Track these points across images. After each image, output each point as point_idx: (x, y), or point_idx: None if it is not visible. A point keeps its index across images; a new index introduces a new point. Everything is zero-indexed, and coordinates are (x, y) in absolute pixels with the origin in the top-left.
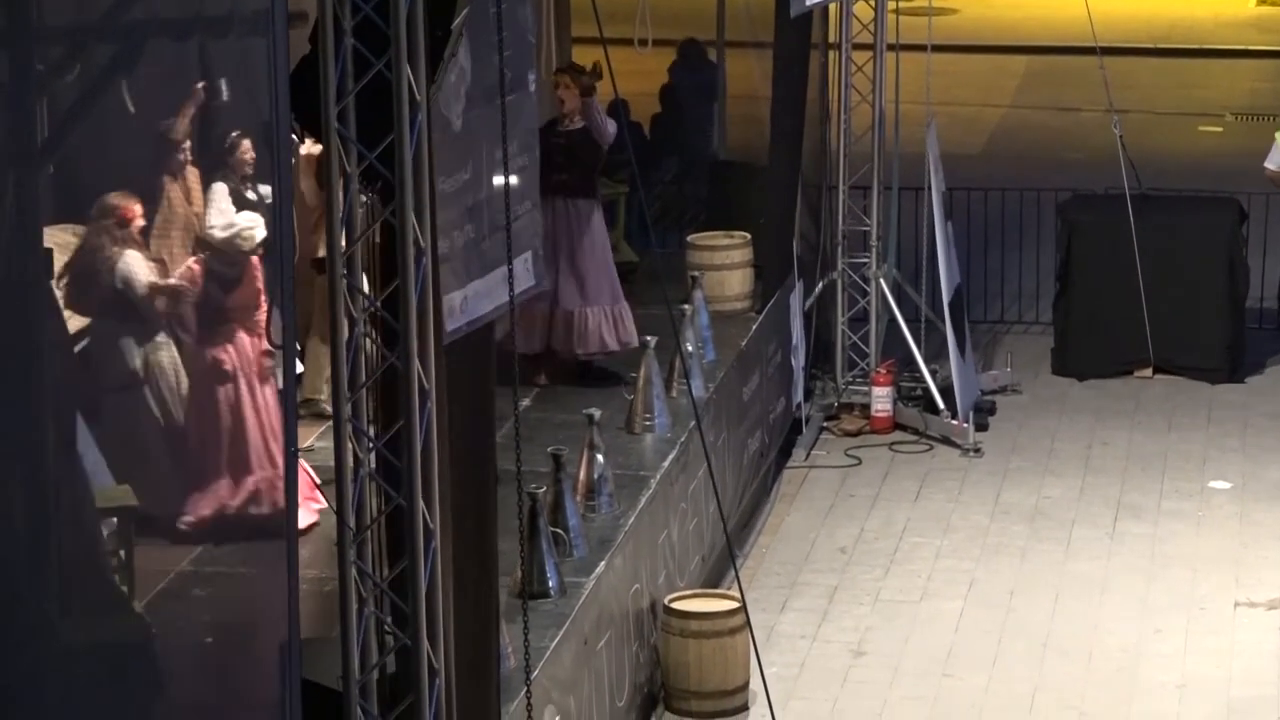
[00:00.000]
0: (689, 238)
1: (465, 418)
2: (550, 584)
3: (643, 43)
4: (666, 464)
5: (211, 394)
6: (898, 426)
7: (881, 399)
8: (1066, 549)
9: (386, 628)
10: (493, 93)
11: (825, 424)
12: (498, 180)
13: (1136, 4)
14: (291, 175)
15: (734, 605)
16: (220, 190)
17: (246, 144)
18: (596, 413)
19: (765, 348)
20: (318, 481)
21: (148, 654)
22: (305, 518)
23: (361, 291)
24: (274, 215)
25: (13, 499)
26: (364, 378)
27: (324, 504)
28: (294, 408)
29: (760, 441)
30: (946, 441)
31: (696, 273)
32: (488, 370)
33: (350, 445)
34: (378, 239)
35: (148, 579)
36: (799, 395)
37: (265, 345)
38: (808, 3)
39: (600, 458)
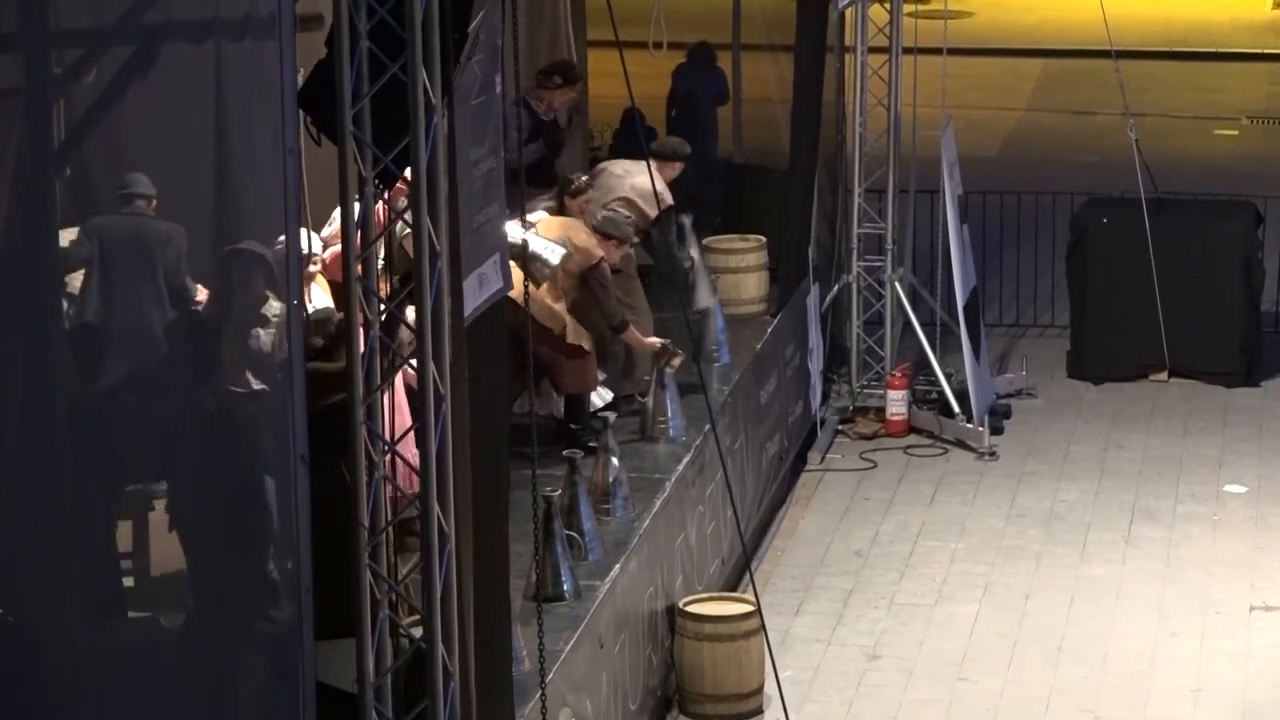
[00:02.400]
0: (704, 241)
1: (479, 420)
2: (565, 587)
3: (657, 46)
4: (681, 467)
5: None
6: (913, 430)
7: (896, 402)
8: (1082, 553)
9: (401, 631)
10: (467, 95)
11: (840, 427)
12: (473, 183)
13: (1152, 7)
14: (301, 184)
15: (749, 608)
16: None
17: None
18: (611, 416)
19: (782, 351)
20: None
21: (160, 655)
22: None
23: (376, 294)
24: (284, 219)
25: (27, 504)
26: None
27: None
28: (303, 412)
29: (780, 445)
30: (961, 445)
31: (712, 276)
32: (501, 372)
33: (365, 445)
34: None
35: (159, 581)
36: (816, 399)
37: None
38: (844, 2)
39: (615, 461)
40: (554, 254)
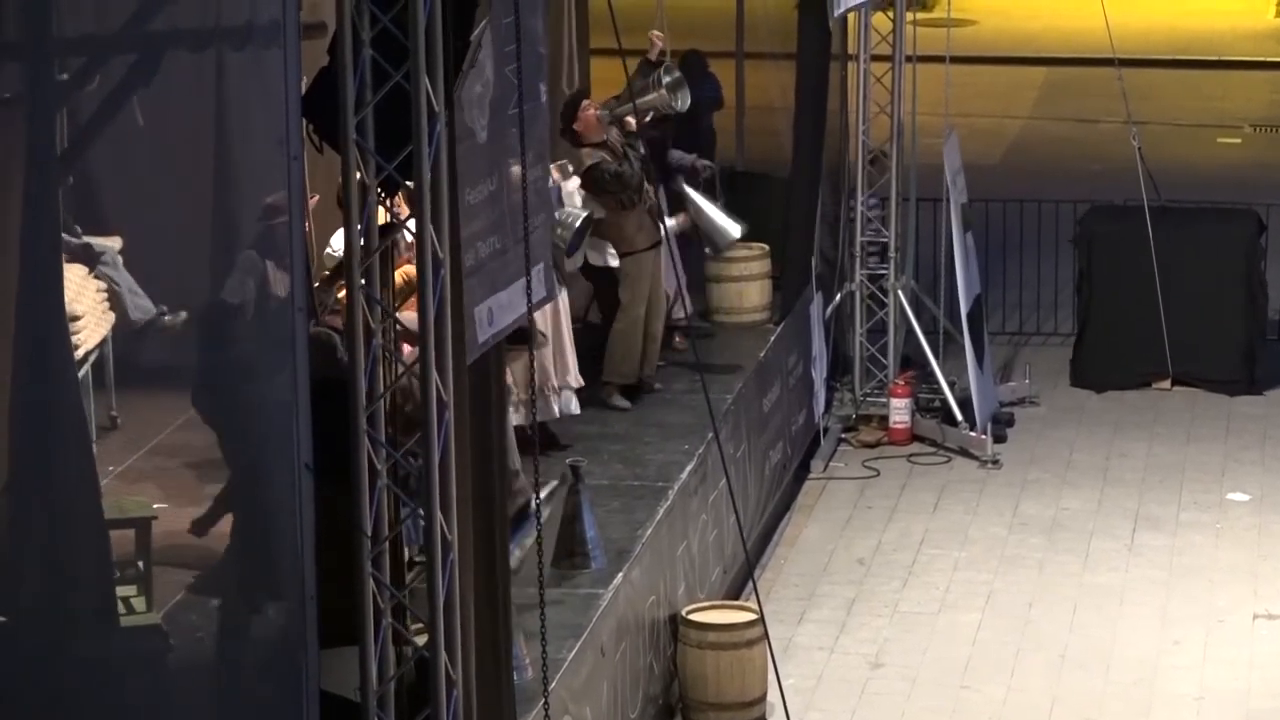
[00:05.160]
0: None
1: (478, 427)
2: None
3: (660, 54)
4: (684, 475)
5: None
6: (916, 438)
7: (900, 410)
8: (1085, 561)
9: (405, 639)
10: (509, 104)
11: (843, 435)
12: (513, 193)
13: (1155, 16)
14: (305, 186)
15: (752, 617)
16: None
17: None
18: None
19: (785, 359)
20: None
21: (164, 664)
22: None
23: (380, 302)
24: (288, 224)
25: (26, 511)
26: (382, 388)
27: None
28: (307, 420)
29: (783, 453)
30: (964, 453)
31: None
32: (500, 379)
33: (367, 453)
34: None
35: (165, 589)
36: (819, 407)
37: None
38: (840, 9)
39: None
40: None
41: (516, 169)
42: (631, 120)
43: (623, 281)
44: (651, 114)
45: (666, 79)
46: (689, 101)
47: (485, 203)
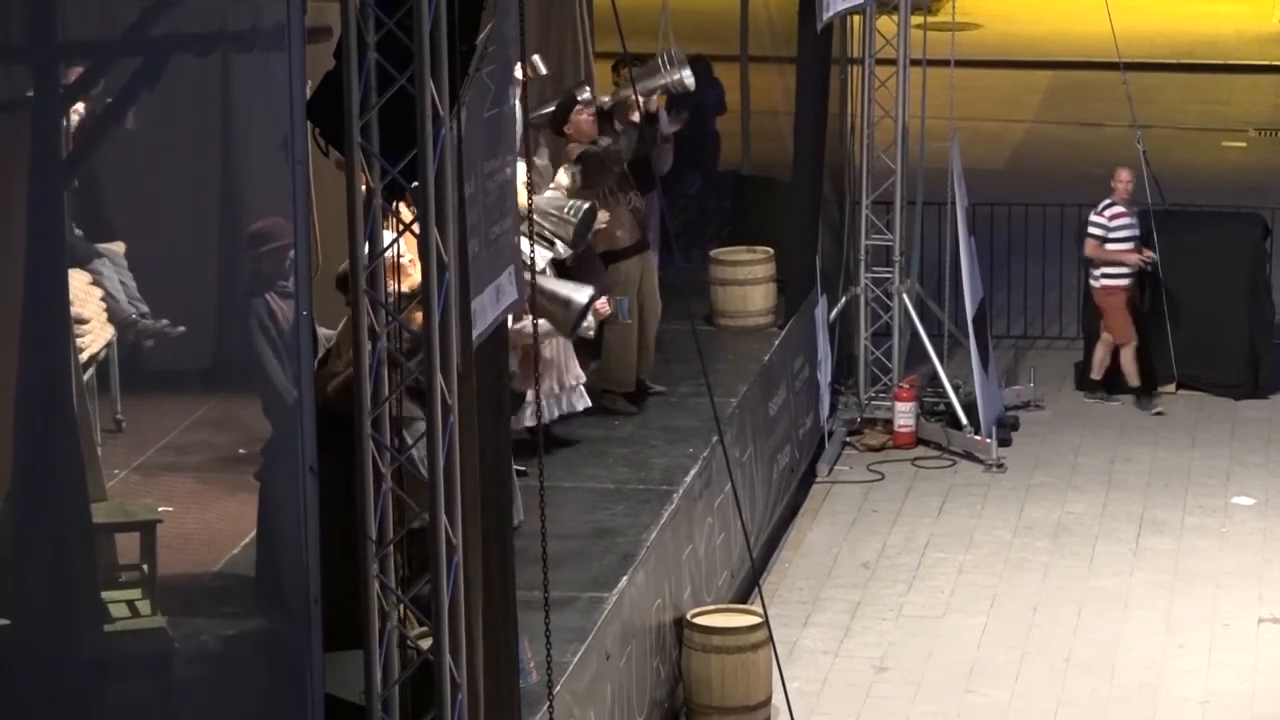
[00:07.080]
0: (711, 252)
1: (484, 432)
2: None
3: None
4: (689, 479)
5: None
6: (920, 442)
7: (904, 414)
8: (1089, 565)
9: (409, 642)
10: (479, 107)
11: (848, 439)
12: (488, 195)
13: (1160, 20)
14: (309, 190)
15: (756, 620)
16: None
17: None
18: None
19: (791, 363)
20: None
21: (169, 666)
22: None
23: (384, 305)
24: (292, 229)
25: (31, 514)
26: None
27: None
28: (311, 423)
29: (791, 457)
30: (969, 457)
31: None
32: (503, 382)
33: (372, 459)
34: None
35: (170, 592)
36: (825, 410)
37: None
38: (829, 14)
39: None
40: (582, 293)
41: (487, 170)
42: (637, 102)
43: (609, 291)
44: (659, 93)
45: (667, 56)
46: (692, 79)
47: (466, 206)
